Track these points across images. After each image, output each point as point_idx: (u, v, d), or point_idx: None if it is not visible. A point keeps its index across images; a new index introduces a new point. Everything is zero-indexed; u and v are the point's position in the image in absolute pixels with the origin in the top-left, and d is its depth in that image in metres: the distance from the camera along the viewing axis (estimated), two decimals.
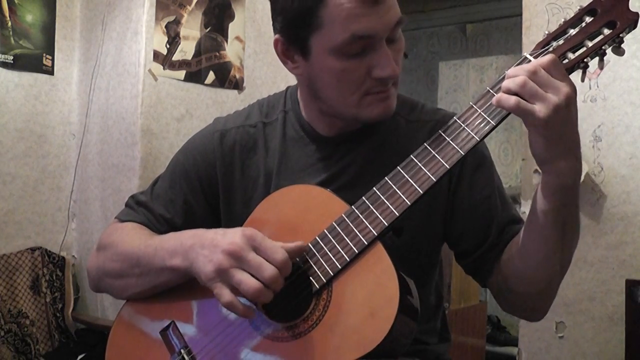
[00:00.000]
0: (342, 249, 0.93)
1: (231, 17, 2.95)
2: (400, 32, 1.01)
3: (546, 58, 0.87)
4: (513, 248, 1.04)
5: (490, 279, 1.09)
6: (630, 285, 1.73)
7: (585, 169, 1.90)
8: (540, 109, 0.84)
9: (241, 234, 0.93)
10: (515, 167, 4.19)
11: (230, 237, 0.93)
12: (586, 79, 1.93)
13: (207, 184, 1.15)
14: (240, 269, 0.91)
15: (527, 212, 0.98)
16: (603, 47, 0.92)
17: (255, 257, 0.90)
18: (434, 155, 0.93)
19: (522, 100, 0.85)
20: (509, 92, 0.86)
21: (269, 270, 0.89)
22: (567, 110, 0.85)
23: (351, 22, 0.93)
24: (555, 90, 0.85)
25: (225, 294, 0.91)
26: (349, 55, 0.96)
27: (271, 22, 1.05)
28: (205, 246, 0.95)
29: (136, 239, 1.09)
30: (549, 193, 0.93)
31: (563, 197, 0.93)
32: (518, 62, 0.94)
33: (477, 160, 1.10)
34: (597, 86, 1.93)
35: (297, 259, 0.96)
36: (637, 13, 0.92)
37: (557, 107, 0.84)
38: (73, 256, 3.00)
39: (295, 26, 0.99)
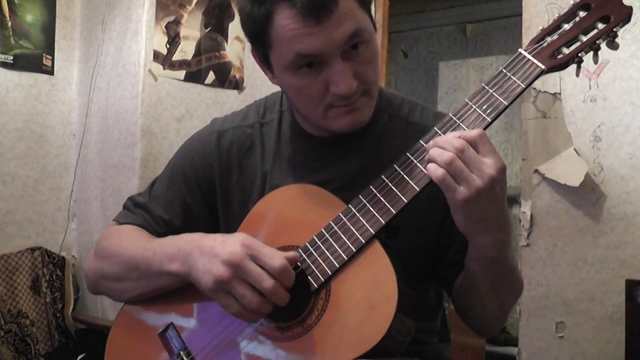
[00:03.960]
0: (339, 248, 0.93)
1: (231, 17, 2.95)
2: (372, 40, 0.97)
3: (474, 133, 0.87)
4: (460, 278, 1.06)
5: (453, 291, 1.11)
6: (630, 285, 1.72)
7: (585, 169, 1.90)
8: (462, 190, 0.84)
9: (240, 244, 0.92)
10: (515, 167, 4.18)
11: (229, 247, 0.92)
12: (586, 79, 1.93)
13: (205, 184, 1.15)
14: (240, 279, 0.90)
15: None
16: (597, 42, 0.92)
17: (255, 267, 0.90)
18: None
19: (448, 175, 0.85)
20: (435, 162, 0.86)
21: (267, 281, 0.89)
22: (490, 192, 0.85)
23: (295, 42, 0.93)
24: (480, 172, 0.84)
25: (233, 305, 0.92)
26: (302, 73, 0.96)
27: None
28: (205, 254, 0.94)
29: (134, 242, 1.09)
30: (473, 259, 0.96)
31: (487, 265, 0.95)
32: (511, 59, 0.94)
33: None
34: (597, 86, 1.93)
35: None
36: (630, 7, 0.92)
37: (479, 191, 0.84)
38: (73, 256, 3.00)
39: (254, 44, 1.01)
